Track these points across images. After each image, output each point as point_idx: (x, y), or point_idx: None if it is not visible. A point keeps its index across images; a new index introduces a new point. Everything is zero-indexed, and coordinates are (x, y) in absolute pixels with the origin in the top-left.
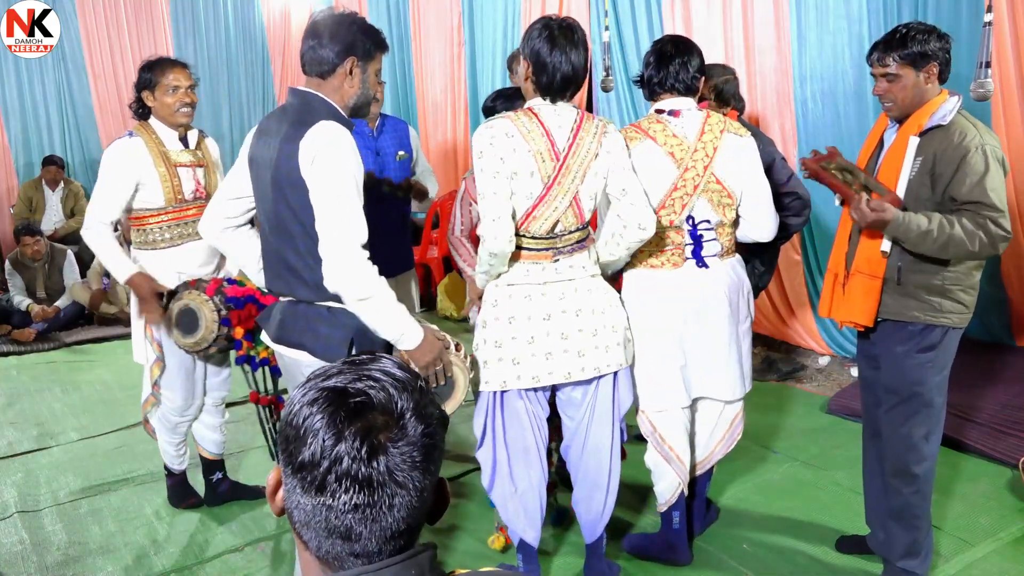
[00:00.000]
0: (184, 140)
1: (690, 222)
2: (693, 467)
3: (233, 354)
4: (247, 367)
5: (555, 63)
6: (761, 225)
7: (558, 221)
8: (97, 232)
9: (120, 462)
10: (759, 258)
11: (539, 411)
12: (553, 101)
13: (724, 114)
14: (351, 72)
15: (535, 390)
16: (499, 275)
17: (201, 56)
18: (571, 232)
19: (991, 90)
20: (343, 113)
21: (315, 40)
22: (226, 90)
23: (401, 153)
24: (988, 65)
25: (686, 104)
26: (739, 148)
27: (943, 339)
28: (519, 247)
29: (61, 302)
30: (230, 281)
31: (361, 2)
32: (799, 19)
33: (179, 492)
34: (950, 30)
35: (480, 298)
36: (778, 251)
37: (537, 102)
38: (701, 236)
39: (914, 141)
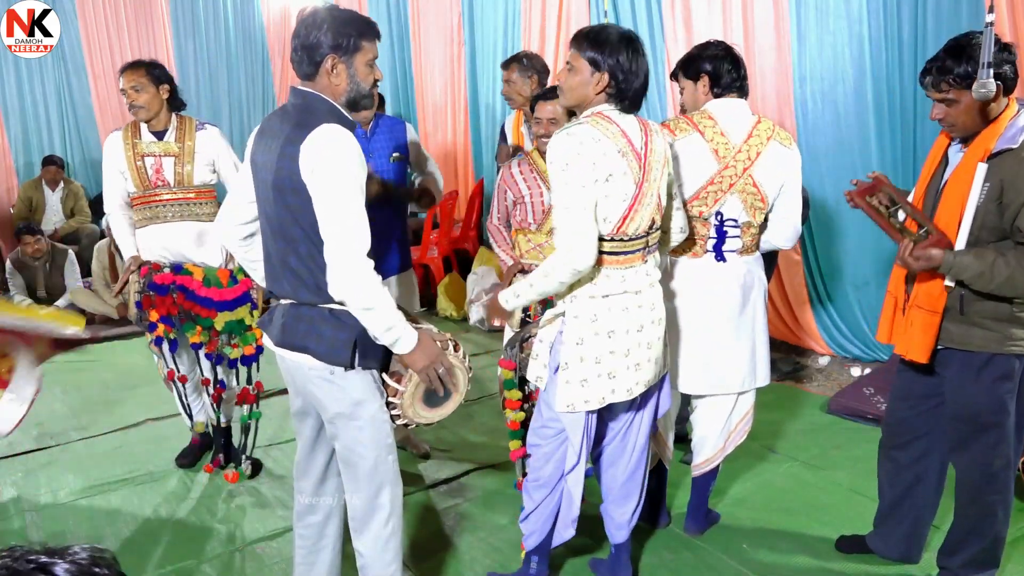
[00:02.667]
0: (159, 133)
1: (718, 217)
2: (694, 462)
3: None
4: (158, 347)
5: (639, 73)
6: (784, 234)
7: (654, 219)
8: (111, 215)
9: (120, 462)
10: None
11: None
12: (626, 111)
13: None
14: (333, 69)
15: None
16: (575, 287)
17: (201, 56)
18: (657, 229)
19: (993, 90)
20: (344, 112)
21: (296, 43)
22: (226, 90)
23: (396, 155)
24: (991, 65)
25: (742, 107)
26: (782, 157)
27: (1019, 365)
28: (612, 252)
29: (61, 302)
30: (177, 268)
31: (361, 2)
32: (799, 19)
33: (185, 452)
34: (950, 30)
35: (504, 314)
36: (777, 251)
37: (605, 107)
38: (726, 232)
39: (982, 168)
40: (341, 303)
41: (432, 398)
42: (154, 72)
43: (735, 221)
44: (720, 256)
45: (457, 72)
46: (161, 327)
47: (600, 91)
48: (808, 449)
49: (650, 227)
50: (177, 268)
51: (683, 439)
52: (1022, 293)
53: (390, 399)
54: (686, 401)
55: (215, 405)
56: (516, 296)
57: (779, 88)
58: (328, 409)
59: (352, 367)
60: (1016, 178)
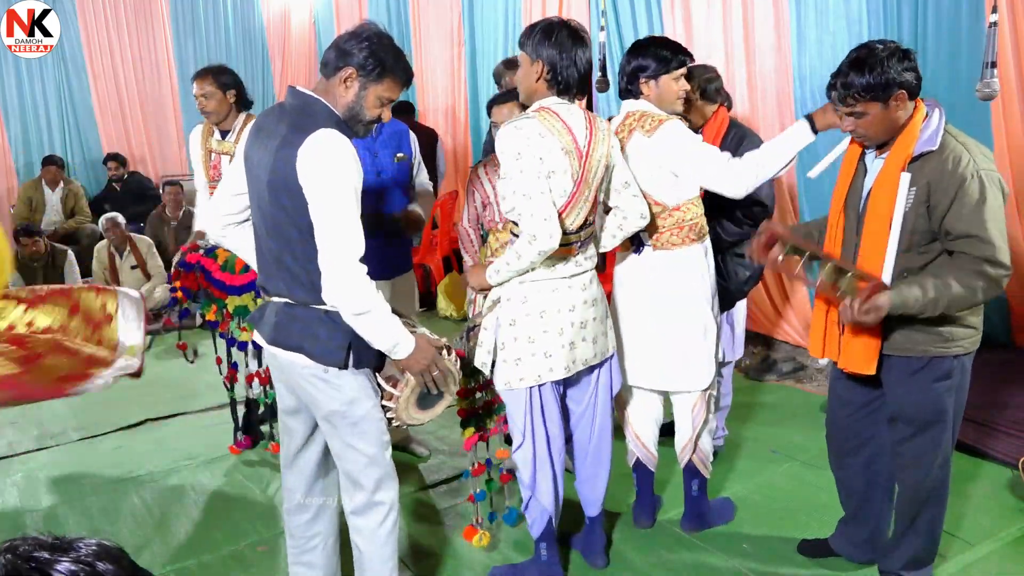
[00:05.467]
0: (225, 132)
1: None
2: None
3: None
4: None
5: (576, 60)
6: (701, 181)
7: (587, 216)
8: (197, 191)
9: (120, 462)
10: (745, 264)
11: (558, 400)
12: (570, 100)
13: (714, 111)
14: (346, 82)
15: (554, 381)
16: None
17: (201, 56)
18: (590, 225)
19: (997, 90)
20: (342, 119)
21: (336, 40)
22: None
23: (400, 155)
24: (994, 65)
25: (624, 105)
26: (644, 146)
27: (956, 364)
28: None
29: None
30: (209, 251)
31: (361, 2)
32: (799, 19)
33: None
34: (950, 30)
35: (481, 290)
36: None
37: (552, 101)
38: None
39: (905, 177)
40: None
41: (425, 401)
42: (220, 79)
43: None
44: (638, 249)
45: (457, 72)
46: (180, 295)
47: (539, 79)
48: (808, 449)
49: (583, 224)
50: (210, 251)
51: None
52: (968, 306)
53: (385, 403)
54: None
55: (228, 384)
56: (496, 272)
57: (779, 88)
58: (322, 407)
59: (346, 367)
60: (941, 179)
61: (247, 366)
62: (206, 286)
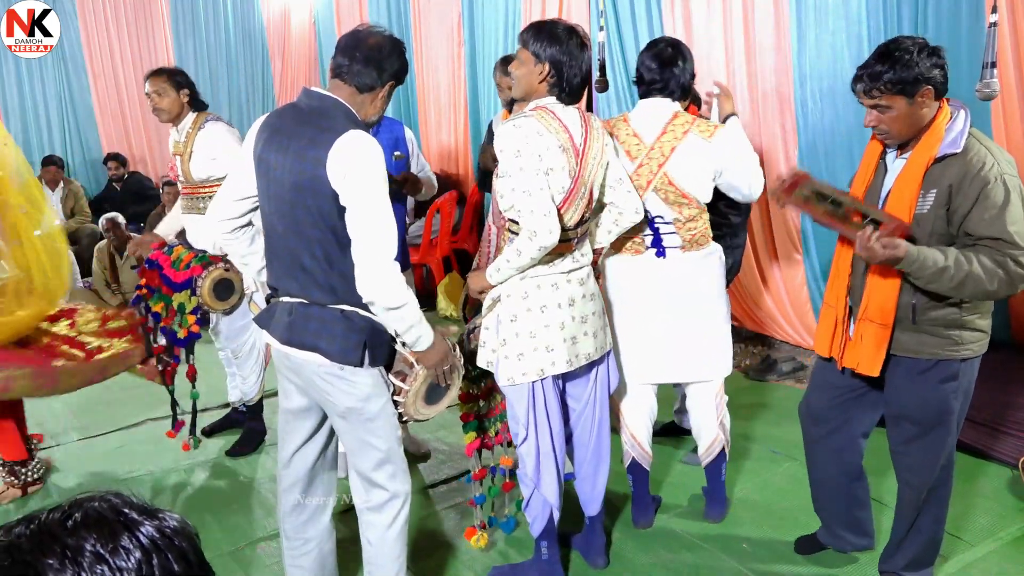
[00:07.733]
0: (180, 133)
1: (648, 215)
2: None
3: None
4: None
5: (581, 67)
6: (742, 189)
7: (584, 213)
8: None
9: (120, 462)
10: (728, 250)
11: (558, 396)
12: (568, 103)
13: (686, 109)
14: (387, 96)
15: (555, 376)
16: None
17: (201, 56)
18: (586, 221)
19: (997, 90)
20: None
21: (365, 55)
22: (226, 90)
23: (397, 153)
24: (994, 65)
25: (661, 104)
26: (700, 149)
27: (964, 367)
28: None
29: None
30: (169, 248)
31: (361, 2)
32: (799, 19)
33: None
34: (950, 31)
35: (481, 293)
36: (741, 246)
37: (549, 101)
38: (658, 229)
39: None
40: (363, 304)
41: (432, 396)
42: (175, 78)
43: (662, 218)
44: (661, 252)
45: (457, 72)
46: (144, 291)
47: (542, 80)
48: None
49: (580, 220)
50: (169, 248)
51: (681, 431)
52: (978, 293)
53: (395, 398)
54: (673, 396)
55: (164, 378)
56: (497, 271)
57: (779, 88)
58: (339, 404)
59: (361, 365)
60: (963, 182)
61: (187, 361)
62: (158, 283)
